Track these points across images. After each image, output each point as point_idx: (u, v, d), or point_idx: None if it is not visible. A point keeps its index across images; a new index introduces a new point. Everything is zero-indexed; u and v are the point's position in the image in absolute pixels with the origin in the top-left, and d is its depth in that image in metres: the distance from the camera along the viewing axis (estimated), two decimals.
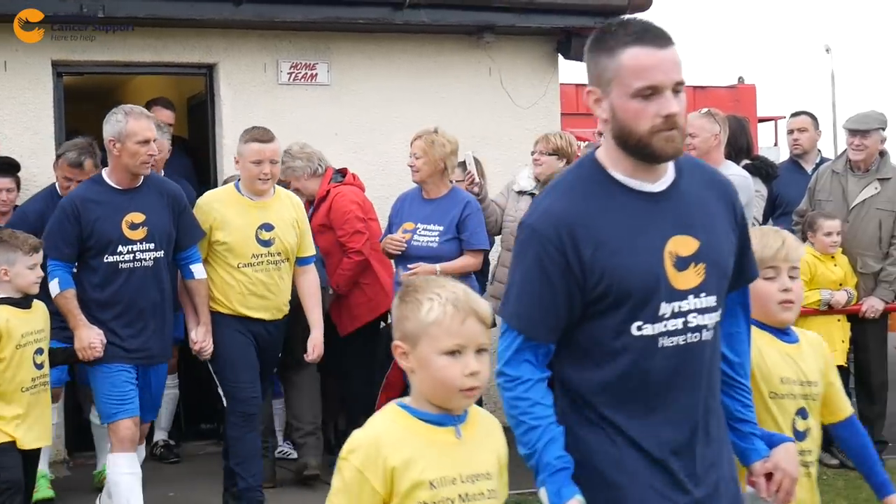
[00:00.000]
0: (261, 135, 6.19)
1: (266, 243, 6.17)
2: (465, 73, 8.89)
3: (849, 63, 71.36)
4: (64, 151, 7.00)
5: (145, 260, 5.82)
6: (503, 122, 8.85)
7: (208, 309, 6.15)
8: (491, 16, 8.61)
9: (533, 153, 7.40)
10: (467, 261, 6.72)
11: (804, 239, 7.49)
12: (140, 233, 5.79)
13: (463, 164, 7.19)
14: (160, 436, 7.85)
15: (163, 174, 7.42)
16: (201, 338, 6.12)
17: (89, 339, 5.67)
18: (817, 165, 8.24)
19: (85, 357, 5.71)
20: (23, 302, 5.49)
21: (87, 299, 5.79)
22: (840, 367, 7.35)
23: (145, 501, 6.60)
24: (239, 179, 6.41)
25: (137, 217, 5.79)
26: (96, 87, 9.86)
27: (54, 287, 5.69)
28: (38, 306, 5.63)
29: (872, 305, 7.33)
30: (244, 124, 8.11)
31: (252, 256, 6.15)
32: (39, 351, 5.52)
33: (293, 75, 8.39)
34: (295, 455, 7.50)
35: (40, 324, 5.58)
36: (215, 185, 8.28)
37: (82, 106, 8.27)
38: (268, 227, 6.17)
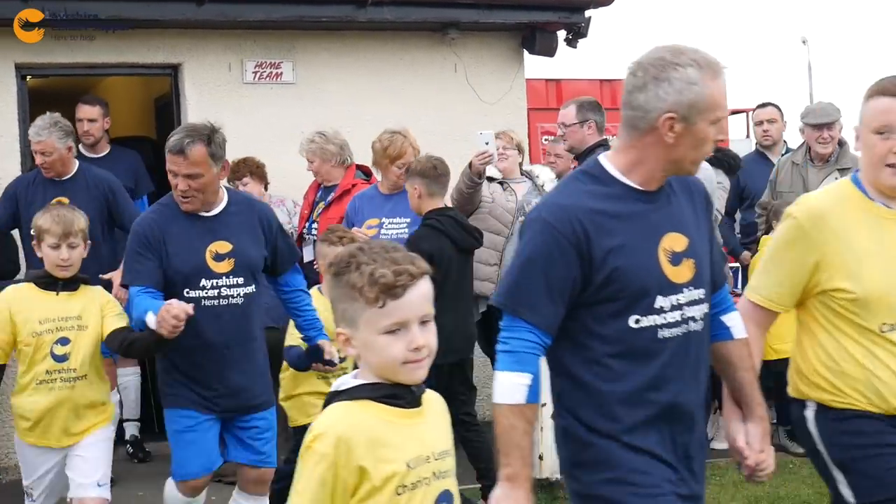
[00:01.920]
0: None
1: None
2: (431, 70, 8.92)
3: (826, 54, 71.57)
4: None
5: None
6: (470, 117, 8.86)
7: None
8: (455, 12, 8.65)
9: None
10: None
11: (769, 229, 7.55)
12: None
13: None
14: (132, 430, 7.80)
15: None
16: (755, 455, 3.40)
17: None
18: (782, 157, 8.30)
19: None
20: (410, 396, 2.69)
21: None
22: None
23: (114, 501, 6.65)
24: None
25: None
26: (63, 89, 9.85)
27: None
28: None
29: None
30: None
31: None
32: None
33: (258, 74, 8.41)
34: None
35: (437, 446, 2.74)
36: None
37: (48, 109, 8.23)
38: None
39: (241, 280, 5.09)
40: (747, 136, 16.06)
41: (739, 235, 8.68)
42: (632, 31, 68.68)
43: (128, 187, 7.44)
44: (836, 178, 7.41)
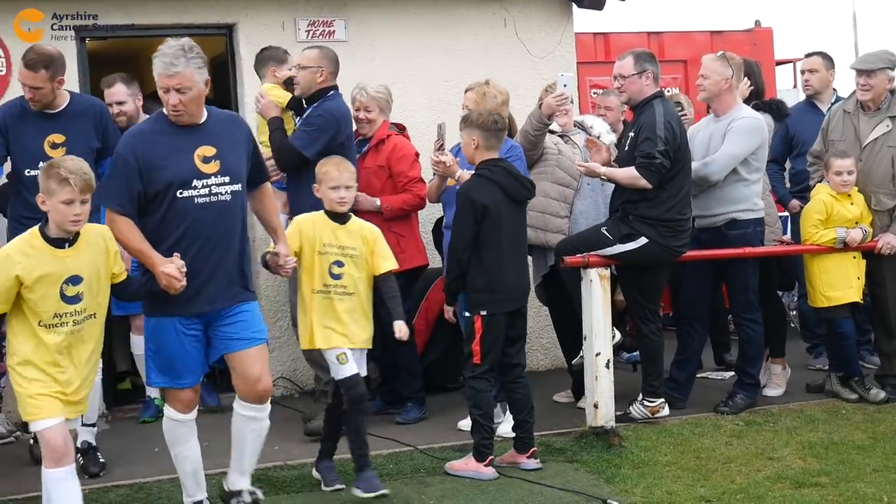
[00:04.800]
0: None
1: None
2: (481, 26, 9.00)
3: (871, 4, 70.46)
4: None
5: None
6: (520, 72, 8.94)
7: None
8: None
9: None
10: None
11: (822, 178, 7.62)
12: None
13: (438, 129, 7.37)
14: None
15: None
16: None
17: None
18: (832, 105, 8.31)
19: None
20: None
21: None
22: (857, 304, 7.52)
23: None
24: None
25: None
26: (121, 51, 10.00)
27: None
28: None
29: (888, 242, 7.44)
30: None
31: None
32: None
33: (311, 32, 8.51)
34: None
35: None
36: None
37: (107, 71, 8.39)
38: None
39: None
40: (794, 86, 15.97)
41: (789, 185, 8.73)
42: None
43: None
44: (888, 127, 7.48)
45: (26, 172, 6.41)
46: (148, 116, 5.89)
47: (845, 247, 7.37)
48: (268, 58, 7.63)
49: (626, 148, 7.05)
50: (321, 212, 6.04)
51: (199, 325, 5.37)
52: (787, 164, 8.73)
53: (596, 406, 6.80)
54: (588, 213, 7.47)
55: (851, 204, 7.45)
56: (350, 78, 8.21)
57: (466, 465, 6.30)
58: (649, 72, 7.00)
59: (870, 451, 6.44)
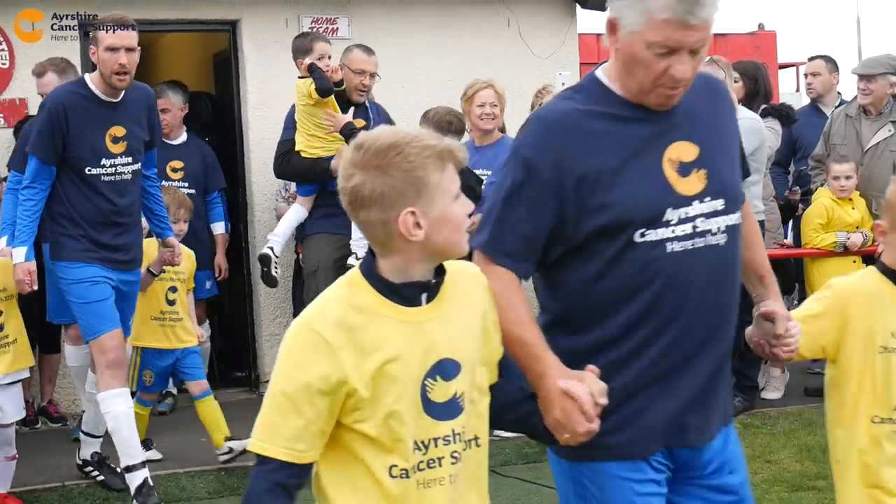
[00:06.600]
0: None
1: None
2: (485, 25, 9.01)
3: (875, 8, 70.51)
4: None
5: None
6: (523, 72, 8.93)
7: None
8: None
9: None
10: None
11: (824, 182, 7.63)
12: None
13: None
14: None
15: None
16: None
17: None
18: (836, 109, 8.32)
19: None
20: None
21: None
22: None
23: (179, 447, 6.87)
24: None
25: None
26: None
27: None
28: None
29: None
30: (267, 80, 8.35)
31: None
32: None
33: (314, 30, 8.51)
34: None
35: None
36: (241, 141, 8.49)
37: None
38: None
39: None
40: (797, 90, 16.02)
41: (798, 189, 8.72)
42: None
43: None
44: (890, 131, 7.47)
45: (87, 171, 5.69)
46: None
47: (846, 251, 7.37)
48: (295, 49, 6.83)
49: None
50: (869, 271, 3.33)
51: (663, 469, 2.94)
52: (791, 167, 8.73)
53: None
54: None
55: (853, 208, 7.45)
56: None
57: None
58: None
59: None
